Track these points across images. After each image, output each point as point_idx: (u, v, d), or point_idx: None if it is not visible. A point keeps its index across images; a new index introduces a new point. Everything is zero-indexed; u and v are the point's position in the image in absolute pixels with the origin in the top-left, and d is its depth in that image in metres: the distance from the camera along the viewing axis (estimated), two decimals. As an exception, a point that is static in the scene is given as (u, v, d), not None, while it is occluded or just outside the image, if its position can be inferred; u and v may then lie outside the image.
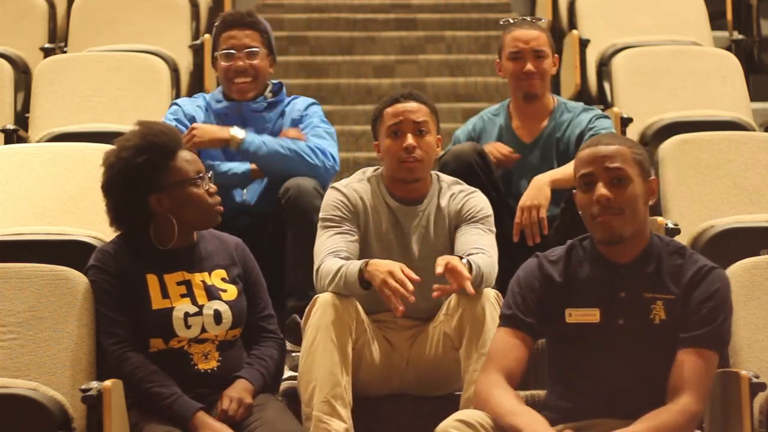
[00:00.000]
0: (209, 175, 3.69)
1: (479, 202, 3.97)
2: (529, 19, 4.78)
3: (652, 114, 5.45)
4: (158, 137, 3.65)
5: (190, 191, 3.64)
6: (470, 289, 3.57)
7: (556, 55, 4.72)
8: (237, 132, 4.47)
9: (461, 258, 3.67)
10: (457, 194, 3.98)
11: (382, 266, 3.66)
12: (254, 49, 4.61)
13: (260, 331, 3.75)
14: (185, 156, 3.66)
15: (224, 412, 3.52)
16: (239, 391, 3.58)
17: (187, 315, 3.61)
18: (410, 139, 3.90)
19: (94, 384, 3.41)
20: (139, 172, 3.62)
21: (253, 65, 4.60)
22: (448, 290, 3.62)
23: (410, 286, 3.60)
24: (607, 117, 4.69)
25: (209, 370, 3.61)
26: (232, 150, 4.48)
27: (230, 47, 4.61)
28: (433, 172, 4.04)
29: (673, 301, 3.27)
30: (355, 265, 3.70)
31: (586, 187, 3.29)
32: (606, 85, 6.15)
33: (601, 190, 3.26)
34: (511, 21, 4.80)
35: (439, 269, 3.57)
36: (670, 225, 4.36)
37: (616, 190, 3.26)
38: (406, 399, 3.97)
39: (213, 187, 3.68)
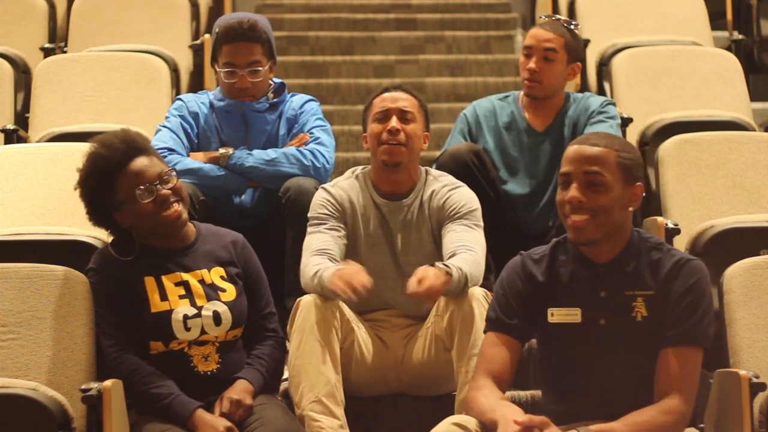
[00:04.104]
0: (163, 177, 3.61)
1: (462, 197, 3.97)
2: (561, 19, 4.69)
3: (652, 114, 5.45)
4: (95, 163, 3.63)
5: (136, 206, 3.61)
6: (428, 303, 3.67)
7: (578, 64, 4.66)
8: (225, 149, 4.47)
9: (435, 264, 3.65)
10: (440, 190, 3.99)
11: (339, 277, 3.64)
12: (257, 68, 4.55)
13: (261, 329, 3.75)
14: (129, 171, 3.61)
15: (223, 414, 3.52)
16: (239, 392, 3.57)
17: (186, 317, 3.60)
18: (394, 122, 3.95)
19: (94, 384, 3.42)
20: (92, 197, 3.65)
21: (255, 84, 4.57)
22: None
23: (360, 290, 3.60)
24: (614, 104, 4.69)
25: (209, 372, 3.61)
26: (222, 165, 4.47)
27: (232, 63, 4.55)
28: (422, 167, 4.06)
29: (653, 296, 3.25)
30: (328, 272, 3.70)
31: (563, 186, 3.28)
32: (606, 85, 6.14)
33: (573, 192, 3.23)
34: (544, 18, 4.74)
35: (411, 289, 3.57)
36: (670, 225, 4.35)
37: (590, 194, 3.23)
38: (404, 399, 3.97)
39: (164, 193, 3.60)
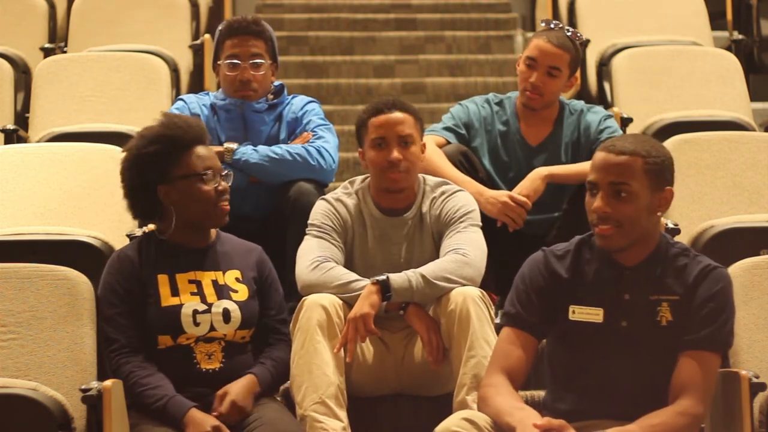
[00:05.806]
0: (223, 174, 3.69)
1: (457, 201, 3.95)
2: (568, 31, 4.58)
3: (652, 114, 5.45)
4: (172, 130, 3.68)
5: (197, 186, 3.65)
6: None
7: (575, 77, 4.59)
8: (230, 144, 4.47)
9: (377, 282, 3.71)
10: (438, 198, 3.96)
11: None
12: (259, 61, 4.56)
13: (274, 333, 3.76)
14: (199, 152, 3.67)
15: (219, 413, 3.53)
16: (240, 393, 3.57)
17: (195, 312, 3.62)
18: (396, 153, 3.87)
19: (94, 384, 3.42)
20: (147, 162, 3.65)
21: (257, 77, 4.57)
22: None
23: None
24: (611, 115, 4.66)
25: (210, 370, 3.61)
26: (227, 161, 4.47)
27: (235, 56, 4.56)
28: (420, 176, 4.01)
29: (679, 301, 3.25)
30: (360, 284, 3.75)
31: (590, 194, 3.27)
32: (606, 85, 6.14)
33: (599, 202, 3.23)
34: (552, 26, 4.60)
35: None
36: (670, 225, 4.35)
37: (616, 204, 3.22)
38: (404, 399, 3.97)
39: (224, 186, 3.68)
